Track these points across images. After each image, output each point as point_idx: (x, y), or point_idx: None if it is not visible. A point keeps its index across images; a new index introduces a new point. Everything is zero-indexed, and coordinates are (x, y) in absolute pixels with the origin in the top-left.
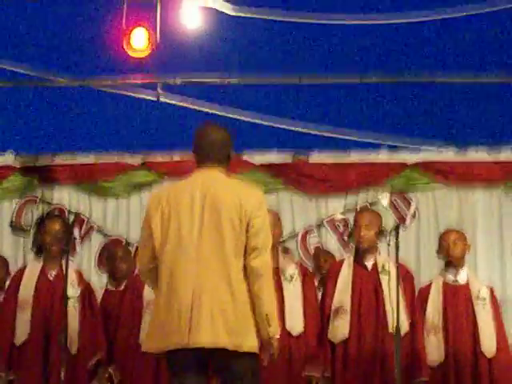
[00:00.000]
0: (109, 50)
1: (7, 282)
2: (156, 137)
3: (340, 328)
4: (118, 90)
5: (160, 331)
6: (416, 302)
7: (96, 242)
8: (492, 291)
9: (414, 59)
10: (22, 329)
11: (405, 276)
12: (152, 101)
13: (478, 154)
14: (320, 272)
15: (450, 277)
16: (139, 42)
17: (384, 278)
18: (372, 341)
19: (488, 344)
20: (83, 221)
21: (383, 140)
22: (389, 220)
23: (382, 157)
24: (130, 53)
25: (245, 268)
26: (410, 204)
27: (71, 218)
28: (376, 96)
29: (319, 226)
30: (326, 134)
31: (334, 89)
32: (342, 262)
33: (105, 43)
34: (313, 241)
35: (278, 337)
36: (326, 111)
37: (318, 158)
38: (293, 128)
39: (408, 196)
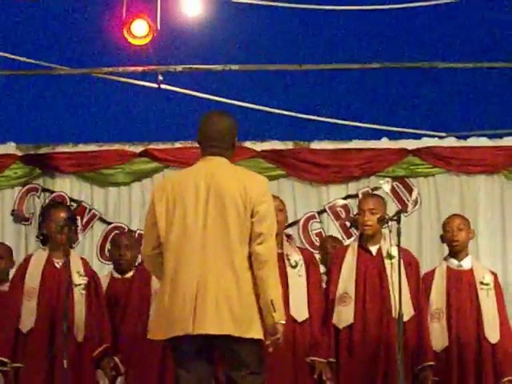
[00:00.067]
0: (109, 38)
1: (12, 270)
2: (157, 125)
3: (345, 313)
4: (119, 77)
5: (165, 319)
6: (421, 287)
7: (98, 230)
8: (496, 277)
9: (414, 46)
10: (29, 316)
11: (409, 262)
12: (153, 88)
13: (479, 140)
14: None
15: (454, 262)
16: (140, 29)
17: (388, 263)
18: (377, 326)
19: (491, 329)
20: (85, 209)
21: (384, 127)
22: (391, 206)
23: (384, 143)
24: (131, 41)
25: (250, 256)
26: (411, 190)
27: (73, 206)
28: (378, 83)
29: (320, 212)
30: (327, 120)
31: (334, 75)
32: (346, 247)
33: (105, 31)
34: (314, 227)
35: (283, 322)
36: (327, 99)
37: (319, 145)
38: (293, 114)
39: (410, 182)
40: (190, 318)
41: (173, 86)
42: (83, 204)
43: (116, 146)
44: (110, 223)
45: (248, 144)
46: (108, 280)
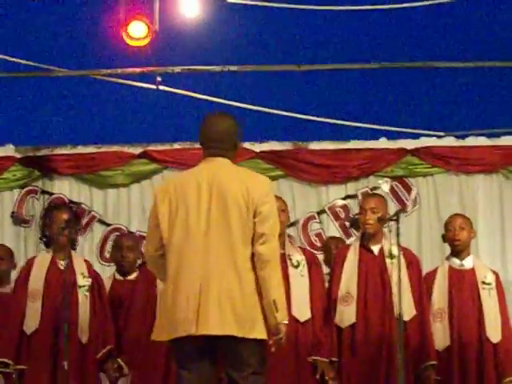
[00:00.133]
0: (108, 39)
1: (13, 271)
2: (156, 126)
3: (347, 313)
4: (118, 78)
5: (168, 320)
6: (422, 287)
7: (97, 231)
8: (497, 276)
9: (412, 46)
10: (33, 318)
11: (411, 260)
12: (151, 90)
13: (477, 140)
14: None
15: (456, 261)
16: (138, 31)
17: (390, 263)
18: (379, 326)
19: (493, 329)
20: (84, 211)
21: (383, 127)
22: (390, 206)
23: (382, 143)
24: (129, 42)
25: (252, 256)
26: (410, 190)
27: (73, 208)
28: (376, 83)
29: (320, 212)
30: (325, 120)
31: (333, 76)
32: (348, 246)
33: (104, 33)
34: (314, 227)
35: (285, 322)
36: (325, 99)
37: (317, 145)
38: (292, 115)
39: (409, 182)
40: (193, 318)
41: (171, 87)
42: (82, 206)
43: (115, 148)
44: (109, 225)
45: (247, 145)
46: (110, 282)
